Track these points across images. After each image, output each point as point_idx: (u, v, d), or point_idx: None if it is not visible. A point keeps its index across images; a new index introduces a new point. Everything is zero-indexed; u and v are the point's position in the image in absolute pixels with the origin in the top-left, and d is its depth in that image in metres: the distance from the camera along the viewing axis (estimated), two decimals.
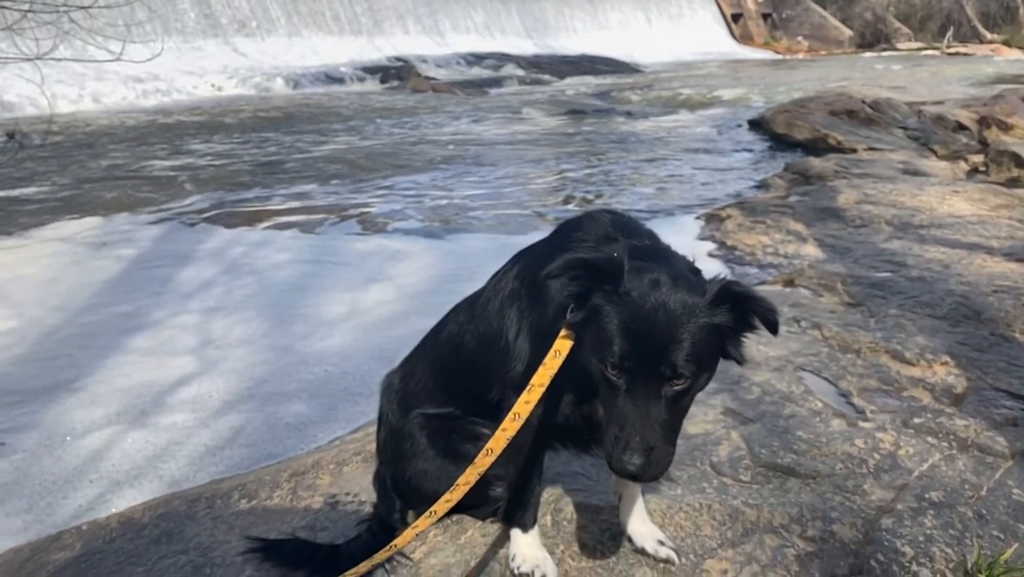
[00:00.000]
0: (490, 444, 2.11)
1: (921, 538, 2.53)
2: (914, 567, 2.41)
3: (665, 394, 1.87)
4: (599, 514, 2.61)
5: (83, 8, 6.15)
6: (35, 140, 12.06)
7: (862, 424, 3.27)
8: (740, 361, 2.01)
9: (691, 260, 2.13)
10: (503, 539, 2.44)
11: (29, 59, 6.74)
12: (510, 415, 2.11)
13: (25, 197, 10.14)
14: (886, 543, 2.50)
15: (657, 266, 1.96)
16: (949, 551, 2.48)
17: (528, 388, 2.10)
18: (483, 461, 2.12)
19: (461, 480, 2.14)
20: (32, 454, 4.05)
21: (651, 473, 1.89)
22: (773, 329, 1.95)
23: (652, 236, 2.25)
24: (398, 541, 2.19)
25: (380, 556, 2.19)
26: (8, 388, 4.74)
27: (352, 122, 17.15)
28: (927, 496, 2.76)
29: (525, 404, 2.10)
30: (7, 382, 4.82)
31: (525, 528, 2.35)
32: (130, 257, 7.31)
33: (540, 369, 2.09)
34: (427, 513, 2.16)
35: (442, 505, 2.13)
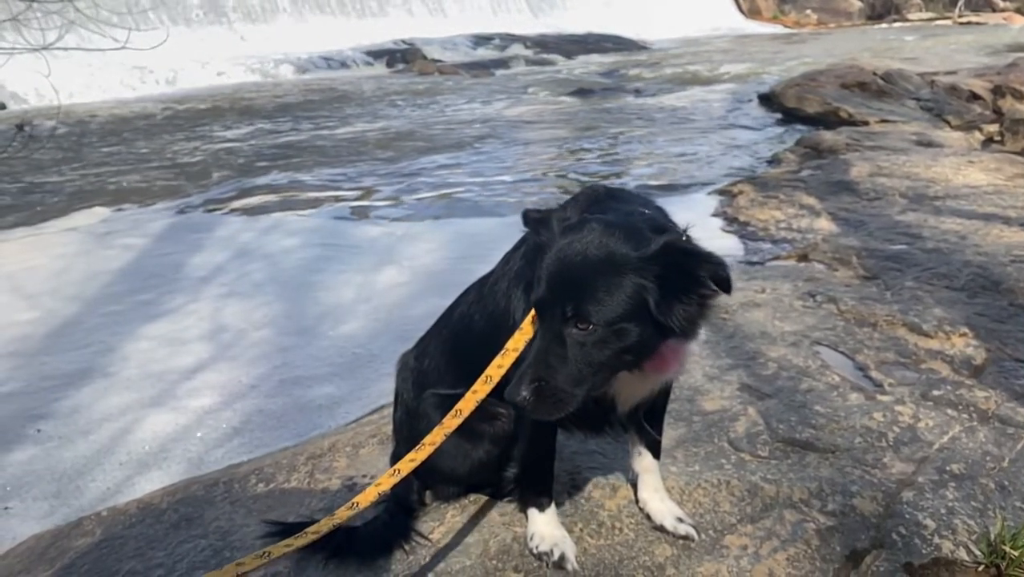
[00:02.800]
0: (459, 405, 2.07)
1: (943, 510, 2.51)
2: (936, 539, 2.39)
3: (569, 336, 1.85)
4: (617, 492, 2.60)
5: None
6: (44, 131, 12.07)
7: (880, 397, 3.24)
8: (675, 329, 1.86)
9: (683, 228, 2.02)
10: (521, 518, 2.43)
11: (35, 49, 6.72)
12: (482, 377, 2.09)
13: (34, 188, 10.18)
14: (907, 516, 2.48)
15: (605, 218, 1.94)
16: (971, 523, 2.46)
17: (503, 352, 2.08)
18: (451, 423, 2.07)
19: (428, 440, 2.09)
20: (66, 439, 4.12)
21: (539, 409, 1.88)
22: (724, 286, 1.83)
23: (648, 204, 2.18)
24: (359, 498, 2.11)
25: (342, 513, 2.09)
26: (46, 374, 4.84)
27: (362, 106, 17.08)
28: (948, 468, 2.73)
29: (498, 368, 2.08)
30: (44, 369, 4.91)
31: (542, 507, 2.34)
32: (141, 246, 7.32)
33: (516, 333, 2.07)
34: (390, 472, 2.09)
35: (406, 464, 2.07)
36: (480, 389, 2.08)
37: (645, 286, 1.83)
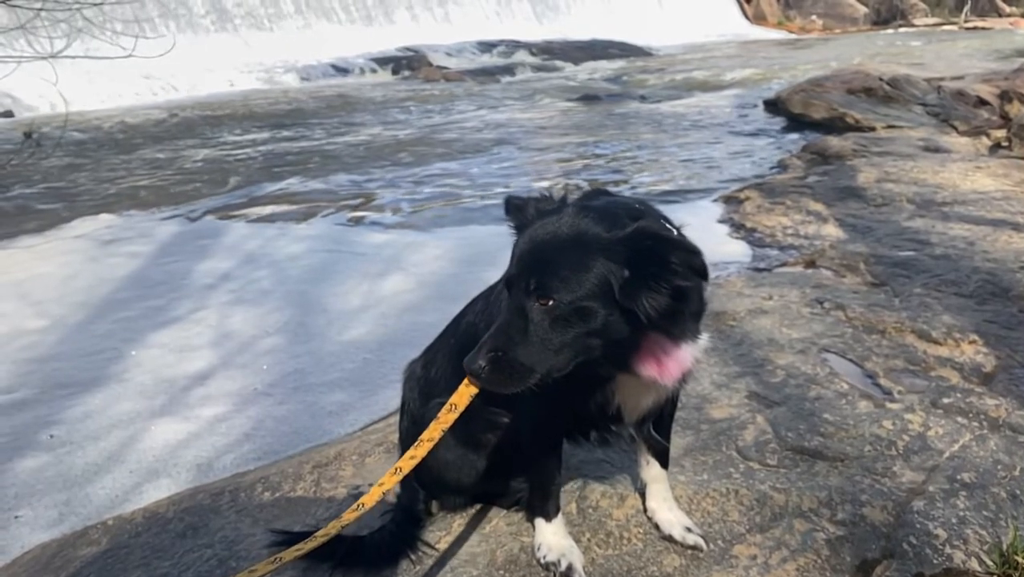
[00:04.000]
0: (453, 399, 2.05)
1: (954, 520, 2.49)
2: (948, 549, 2.37)
3: (531, 311, 1.84)
4: (625, 501, 2.59)
5: (95, 4, 6.15)
6: (51, 139, 12.11)
7: (889, 405, 3.22)
8: (641, 317, 1.80)
9: (672, 223, 1.99)
10: (528, 528, 2.41)
11: (43, 57, 6.75)
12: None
13: (40, 195, 10.20)
14: (918, 525, 2.46)
15: (583, 203, 1.95)
16: (983, 533, 2.43)
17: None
18: (446, 417, 2.05)
19: (425, 436, 2.07)
20: (77, 446, 4.12)
21: (494, 380, 1.87)
22: (701, 273, 1.80)
23: (643, 204, 2.12)
24: (364, 499, 2.09)
25: (348, 516, 2.07)
26: (60, 381, 4.84)
27: (371, 113, 17.11)
28: (959, 477, 2.71)
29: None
30: (58, 376, 4.92)
31: (548, 517, 2.33)
32: (148, 253, 7.33)
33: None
34: (392, 470, 2.08)
35: (407, 462, 2.06)
36: (475, 388, 2.06)
37: (612, 269, 1.80)
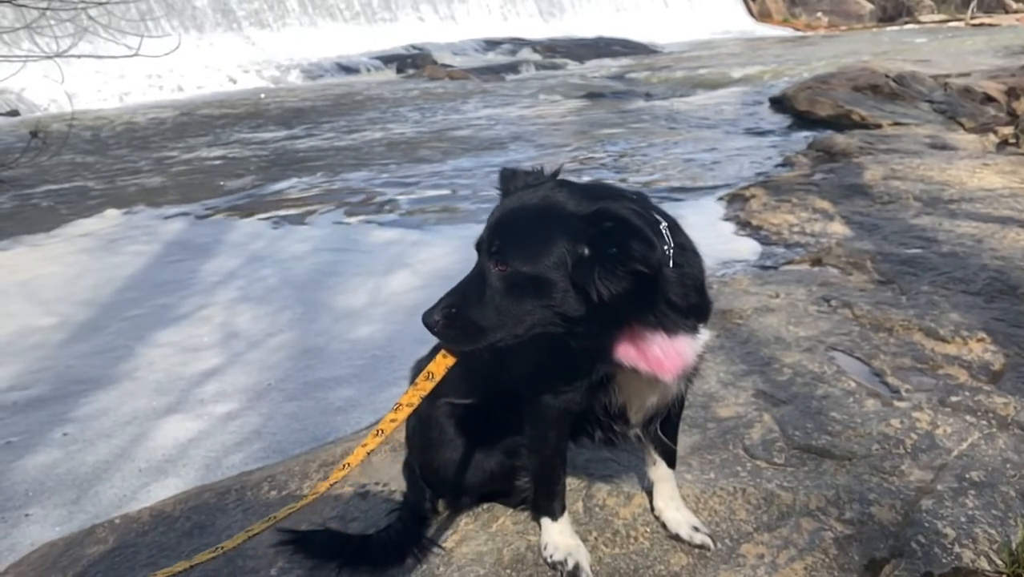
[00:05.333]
0: (430, 368, 2.06)
1: (963, 519, 2.47)
2: (956, 548, 2.36)
3: (489, 274, 1.86)
4: (631, 500, 2.58)
5: (100, 4, 6.15)
6: (57, 138, 12.14)
7: (897, 404, 3.21)
8: (593, 297, 1.78)
9: (667, 216, 1.96)
10: (535, 527, 2.41)
11: (49, 57, 6.76)
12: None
13: (46, 194, 10.24)
14: (927, 524, 2.45)
15: (565, 180, 1.99)
16: (992, 532, 2.42)
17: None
18: (424, 384, 2.06)
19: (404, 400, 2.08)
20: (89, 443, 4.14)
21: (446, 335, 1.91)
22: (652, 267, 1.75)
23: (640, 194, 2.11)
24: (350, 459, 2.12)
25: (336, 474, 2.10)
26: (75, 378, 4.88)
27: (377, 111, 17.12)
28: (967, 476, 2.69)
29: None
30: (72, 373, 4.95)
31: (554, 516, 2.32)
32: (156, 252, 7.36)
33: None
34: (374, 432, 2.09)
35: (387, 424, 2.08)
36: (452, 359, 2.06)
37: (571, 245, 1.80)
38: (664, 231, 1.90)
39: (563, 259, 1.80)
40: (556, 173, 2.07)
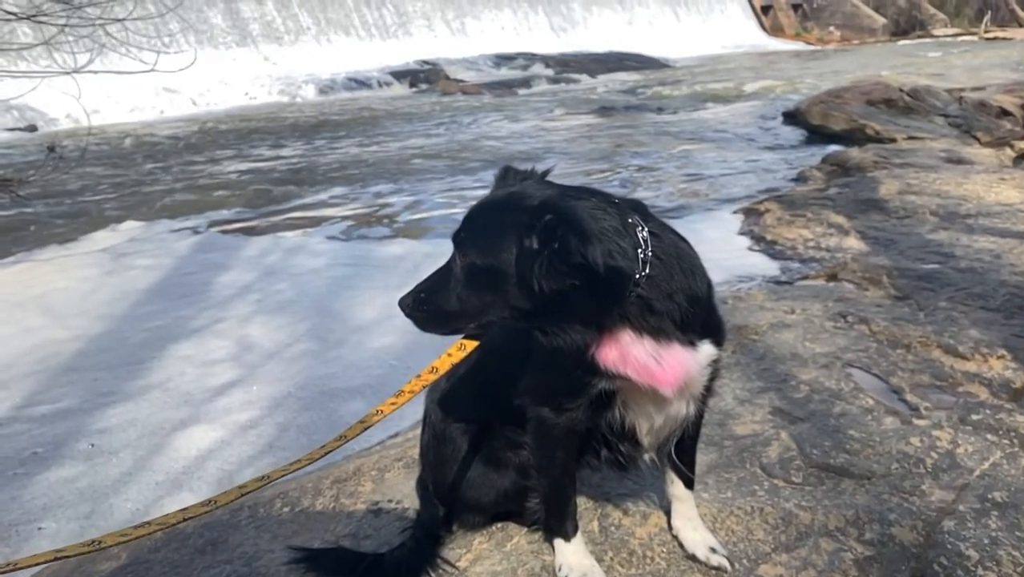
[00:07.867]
0: (434, 363, 2.09)
1: (986, 540, 2.43)
2: (980, 571, 2.31)
3: (454, 263, 1.96)
4: (648, 519, 2.55)
5: (118, 20, 6.22)
6: (74, 153, 12.26)
7: (917, 422, 3.16)
8: (532, 285, 1.78)
9: (641, 226, 1.89)
10: (550, 546, 2.38)
11: (67, 73, 6.83)
12: (456, 344, 2.09)
13: (62, 209, 10.32)
14: (949, 546, 2.40)
15: (547, 181, 2.04)
16: (1016, 554, 2.37)
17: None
18: (427, 377, 2.10)
19: (406, 388, 2.12)
20: (114, 454, 4.17)
21: (415, 317, 2.01)
22: (588, 260, 1.72)
23: (637, 202, 2.07)
24: (347, 432, 2.10)
25: (331, 444, 2.07)
26: (103, 390, 4.92)
27: (396, 125, 17.22)
28: (990, 496, 2.64)
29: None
30: (100, 385, 4.99)
31: (567, 537, 2.29)
32: (171, 265, 7.40)
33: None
34: (373, 411, 2.11)
35: (388, 406, 2.10)
36: (455, 353, 2.08)
37: (519, 238, 1.81)
38: (640, 235, 1.85)
39: (512, 251, 1.84)
40: (546, 173, 2.10)
